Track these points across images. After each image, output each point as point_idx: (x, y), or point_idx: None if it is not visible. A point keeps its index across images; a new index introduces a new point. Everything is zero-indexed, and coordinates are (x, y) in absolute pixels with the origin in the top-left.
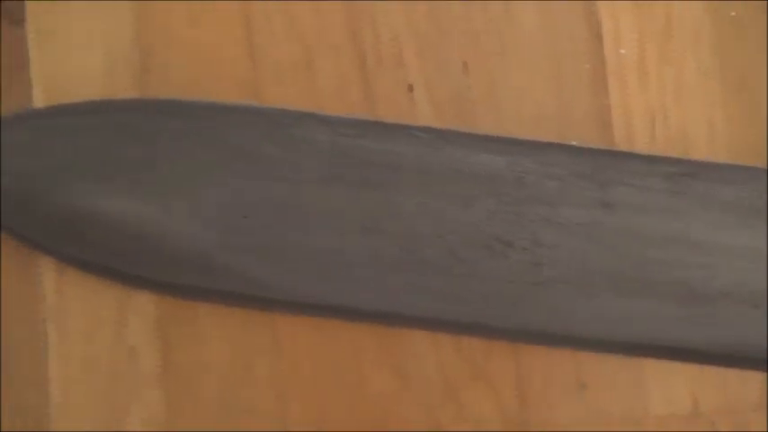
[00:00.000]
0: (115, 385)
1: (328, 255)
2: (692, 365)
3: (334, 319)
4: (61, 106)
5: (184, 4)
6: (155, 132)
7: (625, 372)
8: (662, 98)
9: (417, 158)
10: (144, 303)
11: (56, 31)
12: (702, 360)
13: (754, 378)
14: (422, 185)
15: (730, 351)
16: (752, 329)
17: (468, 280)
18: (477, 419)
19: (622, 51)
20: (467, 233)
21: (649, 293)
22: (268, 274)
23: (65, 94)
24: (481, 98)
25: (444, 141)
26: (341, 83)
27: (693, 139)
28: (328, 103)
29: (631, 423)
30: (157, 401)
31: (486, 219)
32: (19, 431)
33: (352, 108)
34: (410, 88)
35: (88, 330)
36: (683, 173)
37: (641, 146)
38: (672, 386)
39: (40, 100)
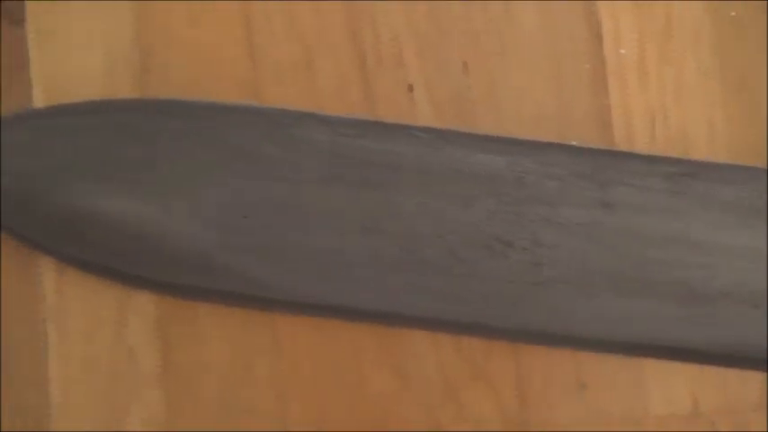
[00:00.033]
0: (115, 385)
1: (328, 255)
2: (691, 365)
3: (334, 319)
4: (61, 106)
5: (184, 4)
6: (155, 132)
7: (625, 372)
8: (662, 98)
9: (417, 158)
10: (144, 303)
11: (56, 31)
12: (702, 360)
13: (754, 378)
14: (422, 185)
15: (730, 351)
16: (752, 329)
17: (468, 280)
18: (477, 419)
19: (622, 51)
20: (467, 233)
21: (649, 293)
22: (268, 274)
23: (65, 94)
24: (481, 98)
25: (444, 141)
26: (341, 83)
27: (693, 139)
28: (328, 103)
29: (631, 423)
30: (157, 401)
31: (486, 219)
32: (19, 431)
33: (351, 108)
34: (410, 88)
35: (88, 330)
36: (683, 173)
37: (641, 146)
38: (672, 386)
39: (40, 100)
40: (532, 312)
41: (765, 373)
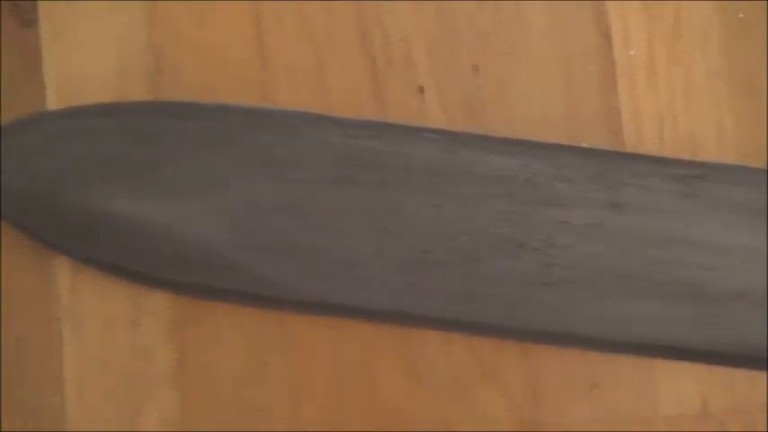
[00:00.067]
0: (130, 384)
1: (341, 255)
2: (701, 366)
3: (347, 319)
4: (74, 108)
5: (196, 5)
6: (168, 134)
7: (635, 372)
8: (671, 99)
9: (429, 160)
10: (158, 303)
11: (68, 32)
12: (712, 360)
13: (762, 378)
14: (433, 187)
15: (740, 351)
16: (761, 330)
17: (480, 280)
18: (488, 419)
19: (631, 53)
20: (478, 234)
21: (659, 294)
22: (281, 274)
23: (77, 95)
24: (491, 99)
25: (456, 143)
26: (351, 84)
27: (702, 141)
28: (338, 105)
29: (641, 423)
30: (172, 400)
31: (497, 220)
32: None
33: (362, 109)
34: (420, 90)
35: (103, 330)
36: (693, 174)
37: (650, 147)
38: (681, 386)
39: (53, 101)
40: (543, 313)
41: None
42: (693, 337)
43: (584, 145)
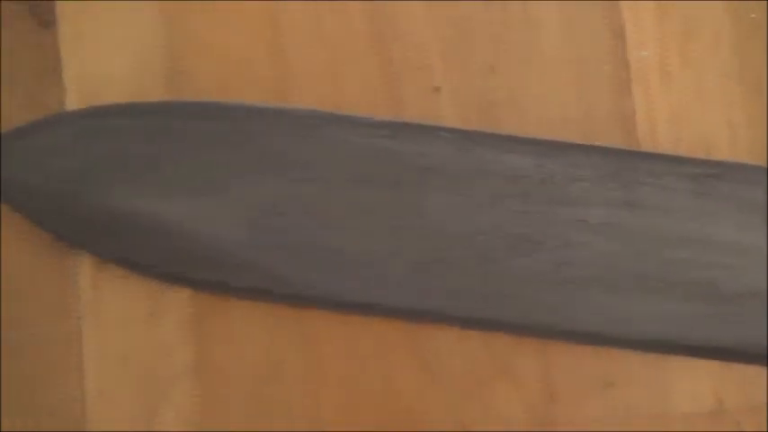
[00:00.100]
0: (149, 380)
1: (357, 253)
2: (715, 363)
3: (363, 316)
4: (95, 108)
5: (213, 7)
6: (187, 134)
7: (650, 370)
8: (684, 100)
9: (446, 159)
10: (178, 300)
11: (86, 33)
12: (726, 358)
13: None
14: (450, 186)
15: (755, 349)
16: None
17: (495, 278)
18: (502, 416)
19: (644, 53)
20: (494, 233)
21: (674, 292)
22: (298, 272)
23: (96, 96)
24: (505, 100)
25: (473, 143)
26: (366, 85)
27: (715, 141)
28: (354, 106)
29: (657, 420)
30: (191, 396)
31: (513, 219)
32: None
33: (377, 110)
34: (436, 90)
35: (123, 326)
36: (707, 174)
37: (664, 148)
38: (697, 384)
39: (73, 102)
40: (559, 311)
41: None
42: (708, 335)
43: (599, 144)
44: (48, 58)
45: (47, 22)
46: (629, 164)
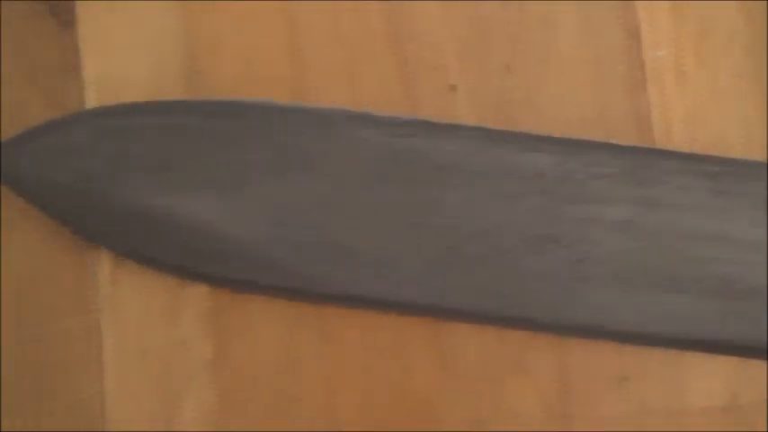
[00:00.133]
0: (168, 375)
1: (375, 250)
2: (731, 359)
3: (381, 312)
4: (115, 107)
5: (231, 7)
6: (207, 132)
7: (665, 365)
8: (699, 99)
9: (465, 157)
10: (197, 296)
11: (106, 33)
12: (741, 354)
13: None
14: (468, 183)
15: None
16: None
17: (513, 275)
18: (519, 410)
19: (659, 53)
20: (512, 230)
21: (690, 289)
22: (316, 269)
23: (116, 95)
24: (521, 99)
25: (491, 141)
26: (383, 84)
27: (730, 140)
28: (370, 105)
29: (671, 416)
30: (209, 391)
31: (531, 216)
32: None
33: (394, 109)
34: (452, 88)
35: (142, 321)
36: (725, 171)
37: (679, 146)
38: (711, 379)
39: (92, 101)
40: (575, 307)
41: None
42: (723, 331)
43: (618, 142)
44: (67, 57)
45: (66, 21)
46: (647, 162)
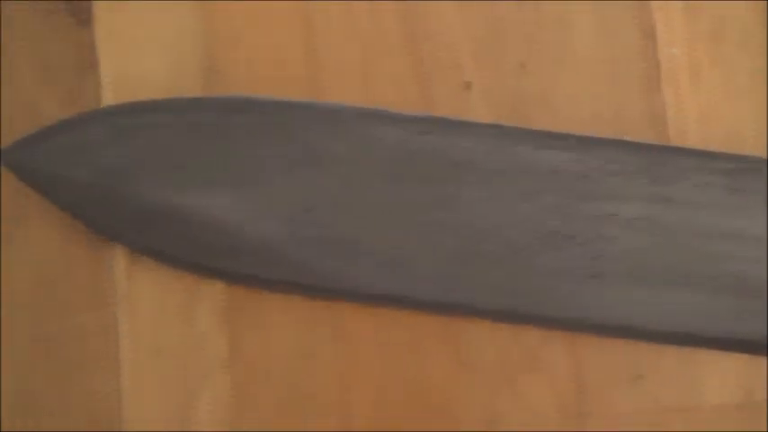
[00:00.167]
0: (184, 371)
1: (390, 247)
2: (745, 356)
3: (395, 309)
4: (132, 104)
5: (247, 5)
6: (225, 129)
7: (680, 362)
8: (713, 97)
9: (481, 154)
10: (212, 292)
11: (123, 31)
12: (756, 351)
13: None
14: (484, 181)
15: None
16: None
17: (528, 272)
18: (533, 407)
19: (675, 51)
20: (527, 227)
21: (705, 286)
22: (332, 266)
23: (132, 93)
24: (536, 98)
25: (507, 138)
26: (398, 82)
27: (744, 138)
28: (386, 103)
29: (686, 413)
30: (225, 387)
31: (547, 213)
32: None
33: (409, 108)
34: (467, 86)
35: (158, 317)
36: (740, 169)
37: (694, 145)
38: (726, 377)
39: (109, 99)
40: (590, 304)
41: None
42: (738, 329)
43: (634, 140)
44: (84, 55)
45: (84, 20)
46: (663, 159)
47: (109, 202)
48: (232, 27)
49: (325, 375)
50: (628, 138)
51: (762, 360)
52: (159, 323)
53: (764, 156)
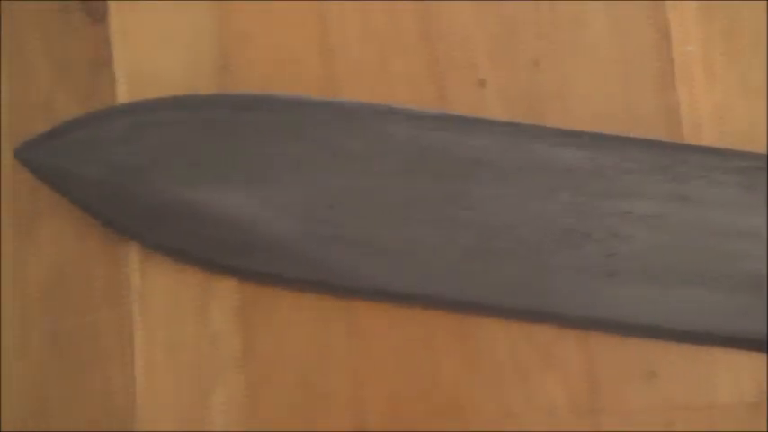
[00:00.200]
0: (198, 369)
1: (405, 244)
2: (759, 355)
3: (409, 307)
4: (146, 101)
5: (262, 4)
6: (238, 126)
7: (693, 360)
8: (728, 96)
9: (496, 152)
10: (226, 290)
11: (137, 29)
12: None
13: None
14: (500, 178)
15: None
16: None
17: (542, 270)
18: (547, 406)
19: (689, 49)
20: (542, 224)
21: (720, 284)
22: (347, 263)
23: (147, 90)
24: (551, 95)
25: (522, 136)
26: (413, 80)
27: (758, 136)
28: (401, 101)
29: (699, 411)
30: (238, 385)
31: (562, 210)
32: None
33: (424, 104)
34: (481, 83)
35: (172, 315)
36: (755, 167)
37: (708, 142)
38: (739, 375)
39: (124, 95)
40: (604, 302)
41: None
42: (752, 327)
43: (649, 138)
44: (99, 52)
45: (98, 18)
46: (678, 157)
47: (123, 199)
48: (247, 25)
49: (339, 373)
50: (642, 136)
51: None
52: (173, 320)
53: None
